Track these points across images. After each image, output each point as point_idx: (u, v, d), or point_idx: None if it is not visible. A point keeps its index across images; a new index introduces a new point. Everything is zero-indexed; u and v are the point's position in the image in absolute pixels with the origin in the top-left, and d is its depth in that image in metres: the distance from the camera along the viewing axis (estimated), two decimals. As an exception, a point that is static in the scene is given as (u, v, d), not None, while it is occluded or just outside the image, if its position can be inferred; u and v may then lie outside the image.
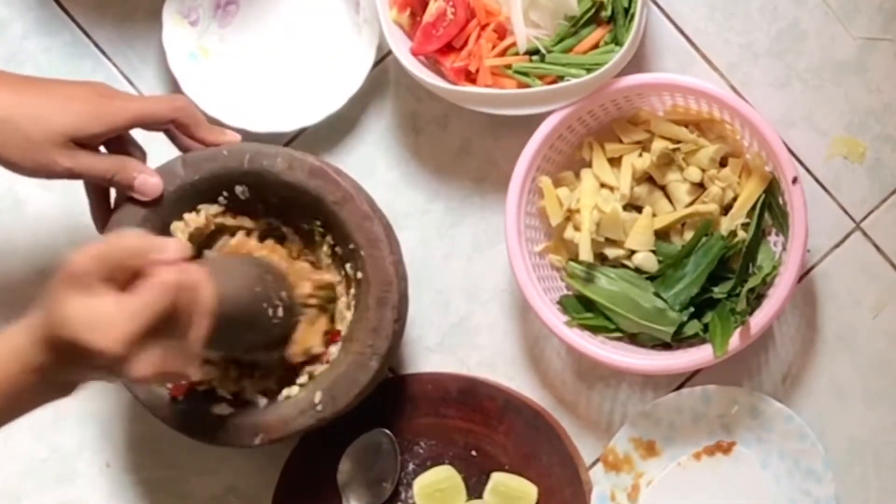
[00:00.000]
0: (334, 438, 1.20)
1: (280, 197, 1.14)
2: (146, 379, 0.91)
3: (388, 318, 1.12)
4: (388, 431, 1.21)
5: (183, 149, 1.15)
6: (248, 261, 1.15)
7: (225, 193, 1.14)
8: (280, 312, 1.12)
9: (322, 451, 1.21)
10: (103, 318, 0.88)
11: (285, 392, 1.15)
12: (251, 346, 1.14)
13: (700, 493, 1.19)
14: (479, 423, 1.21)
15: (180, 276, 0.91)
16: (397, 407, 1.22)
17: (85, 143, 1.08)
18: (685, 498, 1.19)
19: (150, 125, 1.12)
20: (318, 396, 1.13)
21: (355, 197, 1.12)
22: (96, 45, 1.27)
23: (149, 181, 1.11)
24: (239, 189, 1.14)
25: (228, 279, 1.05)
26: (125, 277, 0.90)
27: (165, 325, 0.90)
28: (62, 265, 0.89)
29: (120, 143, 1.12)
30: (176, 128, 1.13)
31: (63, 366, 0.92)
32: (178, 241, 0.99)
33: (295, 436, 1.16)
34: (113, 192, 1.15)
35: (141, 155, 1.14)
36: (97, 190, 1.14)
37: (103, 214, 1.15)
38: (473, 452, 1.22)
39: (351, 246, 1.13)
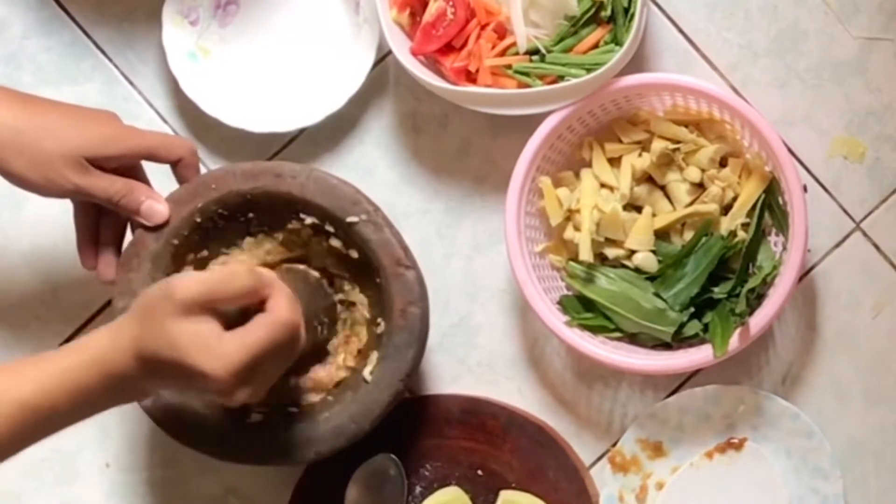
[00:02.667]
0: (340, 465, 1.19)
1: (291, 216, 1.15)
2: (240, 402, 0.96)
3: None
4: (393, 456, 1.20)
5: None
6: (304, 278, 1.16)
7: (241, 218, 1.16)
8: (325, 331, 1.15)
9: (328, 477, 1.21)
10: (218, 346, 0.93)
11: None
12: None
13: (713, 492, 1.19)
14: (483, 442, 1.21)
15: (294, 315, 0.97)
16: (400, 431, 1.21)
17: (97, 165, 1.09)
18: (698, 499, 1.19)
19: (162, 158, 1.13)
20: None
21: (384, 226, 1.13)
22: (96, 45, 1.27)
23: (155, 207, 1.13)
24: (251, 216, 1.16)
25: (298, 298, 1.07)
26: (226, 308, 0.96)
27: (270, 357, 0.96)
28: (166, 287, 0.94)
29: (132, 173, 1.13)
30: (177, 167, 1.14)
31: (153, 380, 0.97)
32: (274, 276, 1.01)
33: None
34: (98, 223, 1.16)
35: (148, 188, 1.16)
36: (86, 223, 1.15)
37: (89, 248, 1.15)
38: (479, 472, 1.21)
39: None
